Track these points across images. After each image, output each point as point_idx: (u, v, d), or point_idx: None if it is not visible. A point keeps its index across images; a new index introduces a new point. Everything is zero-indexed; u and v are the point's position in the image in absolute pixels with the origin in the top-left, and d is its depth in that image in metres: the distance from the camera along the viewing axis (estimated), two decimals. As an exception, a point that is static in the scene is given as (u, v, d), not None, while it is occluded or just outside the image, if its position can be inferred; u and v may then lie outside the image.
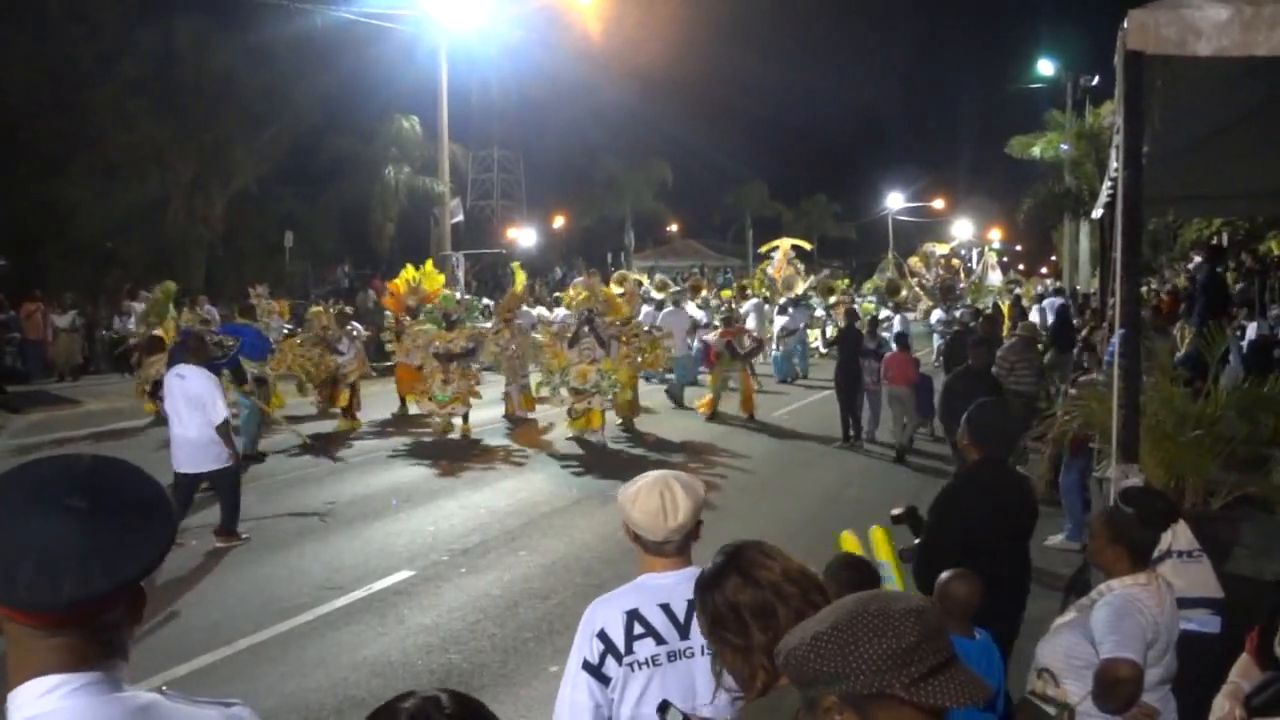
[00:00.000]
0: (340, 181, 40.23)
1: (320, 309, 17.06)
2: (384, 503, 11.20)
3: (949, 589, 4.01)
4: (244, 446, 13.04)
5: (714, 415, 17.01)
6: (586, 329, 14.73)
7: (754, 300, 25.54)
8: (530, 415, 16.92)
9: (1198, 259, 14.36)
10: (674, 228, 64.57)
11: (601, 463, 13.35)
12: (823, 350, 27.82)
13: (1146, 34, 4.40)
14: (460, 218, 31.17)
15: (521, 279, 19.05)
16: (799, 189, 68.47)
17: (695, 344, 20.90)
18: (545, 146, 55.92)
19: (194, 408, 9.26)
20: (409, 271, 16.29)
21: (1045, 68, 43.49)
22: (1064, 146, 36.83)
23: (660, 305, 23.01)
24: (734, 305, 23.98)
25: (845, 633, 1.61)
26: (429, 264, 16.53)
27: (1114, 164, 6.96)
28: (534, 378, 16.42)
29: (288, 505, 11.10)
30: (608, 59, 47.68)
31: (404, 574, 8.59)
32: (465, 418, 15.48)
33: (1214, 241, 23.16)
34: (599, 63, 47.71)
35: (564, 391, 14.50)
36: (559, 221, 57.27)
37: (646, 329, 16.42)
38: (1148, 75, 4.67)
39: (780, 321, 24.29)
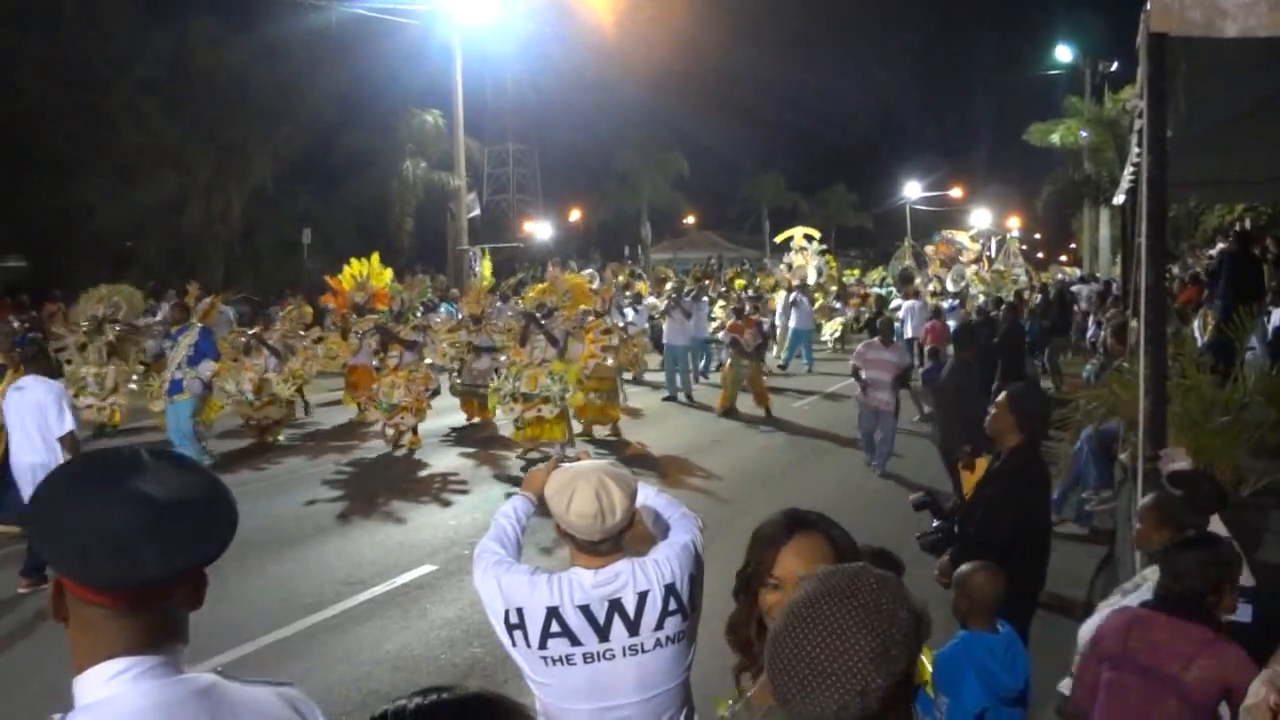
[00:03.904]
0: (357, 178, 40.34)
1: (291, 307, 16.02)
2: (404, 497, 11.23)
3: (972, 582, 3.96)
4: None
5: (729, 411, 16.55)
6: (534, 327, 13.09)
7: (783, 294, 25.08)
8: (476, 421, 15.42)
9: (1221, 245, 14.14)
10: (690, 220, 64.51)
11: (621, 458, 13.35)
12: (826, 341, 27.61)
13: (1170, 15, 4.33)
14: (477, 212, 31.25)
15: (488, 271, 17.89)
16: (816, 179, 68.41)
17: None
18: (560, 140, 56.05)
19: (37, 424, 8.06)
20: (355, 266, 14.92)
21: (1063, 54, 43.33)
22: (1083, 133, 36.61)
23: (630, 301, 21.79)
24: (743, 298, 23.42)
25: (892, 625, 1.54)
26: (375, 258, 15.07)
27: (1135, 149, 6.89)
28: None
29: (303, 500, 11.14)
30: (622, 52, 47.68)
31: (426, 568, 8.59)
32: (415, 429, 13.83)
33: (1238, 227, 22.96)
34: (613, 56, 47.74)
35: (511, 400, 12.66)
36: (575, 215, 57.32)
37: (622, 326, 15.54)
38: (1171, 58, 4.60)
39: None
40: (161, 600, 1.61)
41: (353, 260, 14.94)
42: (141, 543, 1.54)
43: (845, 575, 1.62)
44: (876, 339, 12.70)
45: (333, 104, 35.28)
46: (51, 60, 29.12)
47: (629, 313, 20.24)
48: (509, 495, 3.39)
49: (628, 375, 19.92)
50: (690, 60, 54.99)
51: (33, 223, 30.04)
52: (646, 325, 21.53)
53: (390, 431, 13.58)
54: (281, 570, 8.73)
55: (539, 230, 51.31)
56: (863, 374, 12.20)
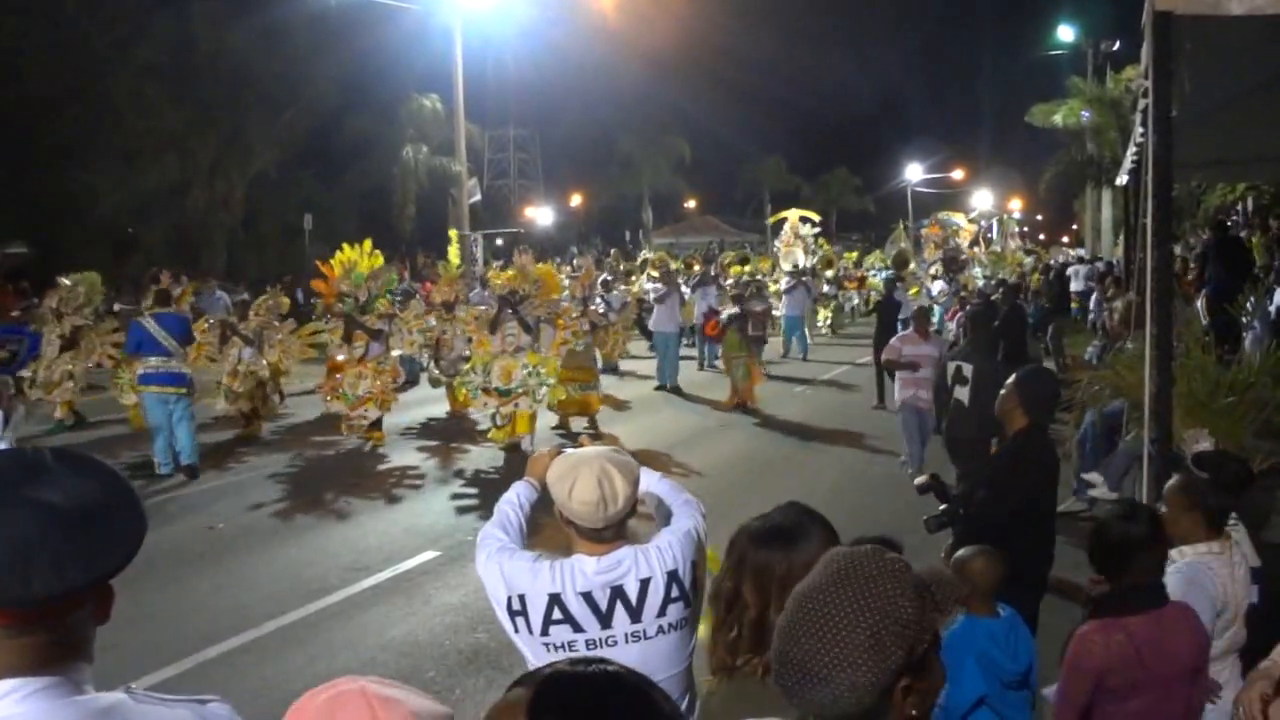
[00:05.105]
0: (359, 163, 40.30)
1: (266, 297, 15.24)
2: (407, 484, 11.25)
3: (971, 567, 3.93)
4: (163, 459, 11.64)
5: (740, 404, 15.56)
6: (509, 312, 12.40)
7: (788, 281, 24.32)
8: (468, 413, 14.74)
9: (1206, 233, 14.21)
10: (692, 204, 64.47)
11: (629, 436, 13.33)
12: (822, 330, 27.19)
13: (1176, -6, 4.30)
14: (478, 197, 31.11)
15: (456, 257, 16.90)
16: (818, 163, 68.44)
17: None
18: (562, 125, 55.96)
19: None
20: (346, 253, 13.99)
21: (1065, 34, 43.16)
22: (1085, 114, 36.44)
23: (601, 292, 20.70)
24: (741, 282, 22.54)
25: (885, 617, 1.53)
26: (367, 244, 14.07)
27: (1139, 129, 6.85)
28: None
29: (304, 488, 11.15)
30: (623, 36, 47.55)
31: (430, 554, 8.59)
32: (378, 423, 13.28)
33: (1239, 208, 22.94)
34: (615, 40, 47.62)
35: (482, 395, 12.13)
36: (576, 200, 57.28)
37: (602, 312, 15.01)
38: (1177, 36, 4.56)
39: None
40: (59, 617, 1.49)
41: (344, 246, 14.20)
42: (34, 556, 1.41)
43: (845, 562, 1.61)
44: (910, 331, 11.25)
45: (334, 89, 35.21)
46: (53, 45, 29.08)
47: (600, 303, 19.19)
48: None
49: (615, 364, 19.72)
50: (691, 44, 54.80)
51: (35, 208, 30.05)
52: (632, 314, 21.26)
53: (355, 424, 12.99)
54: (286, 556, 8.75)
55: (540, 215, 51.30)
56: (903, 374, 10.72)
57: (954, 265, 26.60)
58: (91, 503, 1.50)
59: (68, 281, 15.10)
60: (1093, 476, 8.57)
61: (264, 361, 13.83)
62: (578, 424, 13.88)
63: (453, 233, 19.54)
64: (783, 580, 2.30)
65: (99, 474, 1.57)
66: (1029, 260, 32.85)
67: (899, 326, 14.51)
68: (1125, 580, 3.29)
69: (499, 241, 41.99)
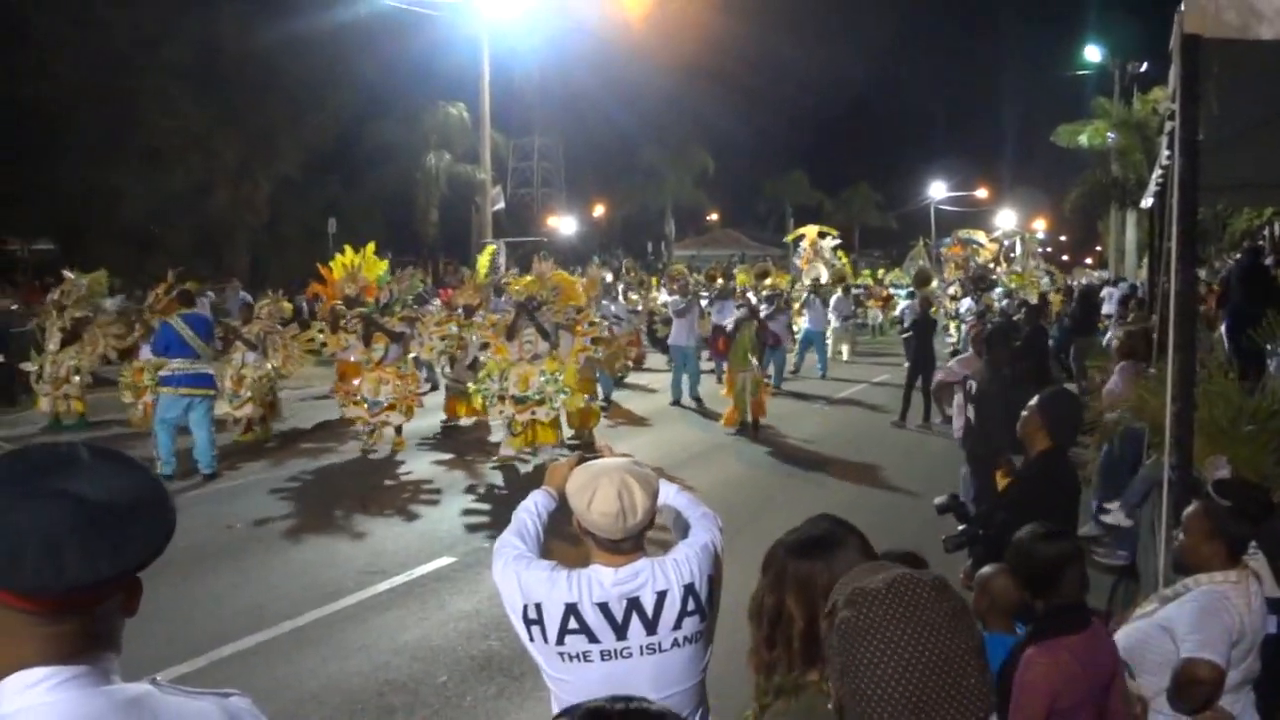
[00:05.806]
0: (384, 168, 40.48)
1: (266, 301, 15.17)
2: (424, 490, 11.26)
3: (993, 584, 3.92)
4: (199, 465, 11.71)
5: (742, 426, 14.71)
6: (526, 319, 12.18)
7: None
8: (465, 421, 14.71)
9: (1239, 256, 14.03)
10: (714, 217, 64.49)
11: (641, 451, 13.30)
12: (844, 358, 26.67)
13: (1205, 18, 4.27)
14: (501, 205, 31.21)
15: (486, 265, 16.81)
16: (841, 178, 68.38)
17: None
18: (585, 135, 56.03)
19: None
20: (348, 256, 13.74)
21: (1092, 54, 43.04)
22: (1110, 136, 36.30)
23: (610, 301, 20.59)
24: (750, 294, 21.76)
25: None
26: (370, 247, 13.92)
27: (1165, 152, 6.82)
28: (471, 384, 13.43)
29: (323, 491, 11.19)
30: (649, 47, 47.62)
31: (446, 560, 8.60)
32: (399, 429, 13.15)
33: (1266, 233, 22.81)
34: (640, 51, 47.69)
35: (499, 402, 11.97)
36: (599, 210, 57.36)
37: (604, 321, 14.69)
38: (1205, 60, 4.54)
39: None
40: (89, 607, 1.52)
41: (346, 248, 13.96)
42: (65, 546, 1.45)
43: (928, 599, 1.61)
44: (970, 354, 10.26)
45: (359, 95, 35.40)
46: (81, 43, 29.28)
47: (609, 308, 19.05)
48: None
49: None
50: (715, 56, 54.80)
51: (61, 206, 30.26)
52: (642, 326, 21.07)
53: (372, 431, 12.89)
54: (302, 557, 8.78)
55: (563, 225, 51.38)
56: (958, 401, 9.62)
57: (982, 283, 26.31)
58: (122, 497, 1.54)
59: (71, 275, 15.15)
60: (1112, 506, 8.47)
61: (269, 365, 13.76)
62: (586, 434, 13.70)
63: (489, 246, 19.48)
64: (827, 590, 2.28)
65: (131, 469, 1.61)
66: (1046, 280, 32.57)
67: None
68: (1055, 600, 3.34)
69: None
